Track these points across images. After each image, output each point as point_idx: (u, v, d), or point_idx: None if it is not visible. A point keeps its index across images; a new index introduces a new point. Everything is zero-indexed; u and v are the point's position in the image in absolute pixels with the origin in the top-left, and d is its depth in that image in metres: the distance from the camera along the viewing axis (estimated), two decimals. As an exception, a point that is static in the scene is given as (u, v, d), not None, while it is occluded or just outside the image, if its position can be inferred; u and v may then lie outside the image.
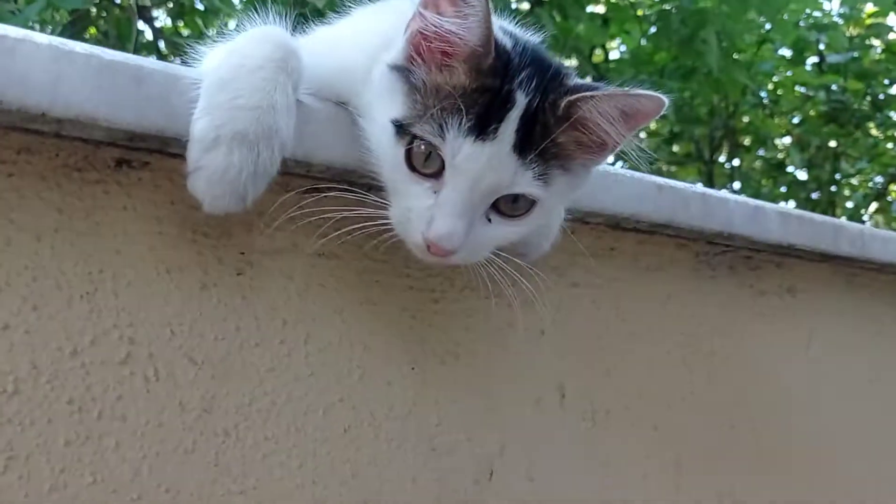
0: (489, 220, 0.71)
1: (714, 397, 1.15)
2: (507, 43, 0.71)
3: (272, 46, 0.67)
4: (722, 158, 5.86)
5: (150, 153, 0.68)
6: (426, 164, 0.68)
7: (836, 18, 5.31)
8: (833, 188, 6.12)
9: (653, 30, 3.62)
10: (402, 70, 0.69)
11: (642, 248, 1.09)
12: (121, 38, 3.02)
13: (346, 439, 0.79)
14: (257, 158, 0.63)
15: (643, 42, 3.73)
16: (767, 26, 4.30)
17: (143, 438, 0.68)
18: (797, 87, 5.40)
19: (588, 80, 0.77)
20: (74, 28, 2.75)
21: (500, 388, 0.92)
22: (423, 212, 0.68)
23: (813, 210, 6.05)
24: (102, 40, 3.31)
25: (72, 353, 0.65)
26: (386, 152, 0.69)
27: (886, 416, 1.44)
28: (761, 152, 6.25)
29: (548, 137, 0.68)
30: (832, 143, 5.67)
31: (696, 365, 1.14)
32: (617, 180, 0.97)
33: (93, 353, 0.66)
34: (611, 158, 0.84)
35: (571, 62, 4.76)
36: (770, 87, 5.19)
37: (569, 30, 4.19)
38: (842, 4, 5.36)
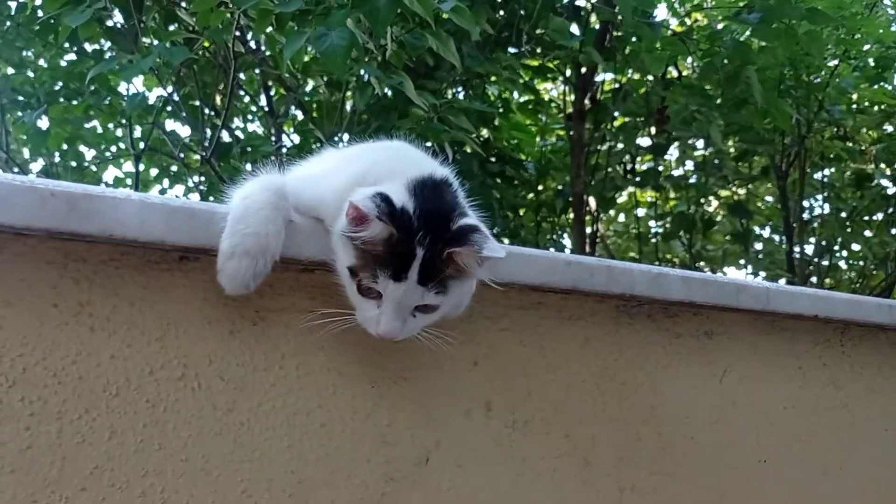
0: (414, 316, 1.13)
1: (623, 414, 1.52)
2: (410, 207, 1.10)
3: (270, 193, 1.10)
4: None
5: (200, 253, 1.13)
6: (370, 291, 1.10)
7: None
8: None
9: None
10: (348, 236, 1.10)
11: (565, 302, 1.47)
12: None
13: (321, 432, 1.22)
14: (256, 265, 1.07)
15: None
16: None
17: (190, 425, 1.13)
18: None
19: (477, 230, 1.14)
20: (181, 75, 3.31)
21: (438, 402, 1.33)
22: (372, 317, 1.12)
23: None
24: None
25: (149, 373, 1.11)
26: (346, 283, 1.13)
27: (799, 435, 1.76)
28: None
29: (438, 273, 1.10)
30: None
31: (608, 390, 1.51)
32: (531, 259, 1.36)
33: (161, 373, 1.11)
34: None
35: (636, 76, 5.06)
36: (845, 106, 5.30)
37: (636, 55, 4.50)
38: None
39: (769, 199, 7.05)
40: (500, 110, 4.93)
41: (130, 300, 1.11)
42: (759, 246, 6.88)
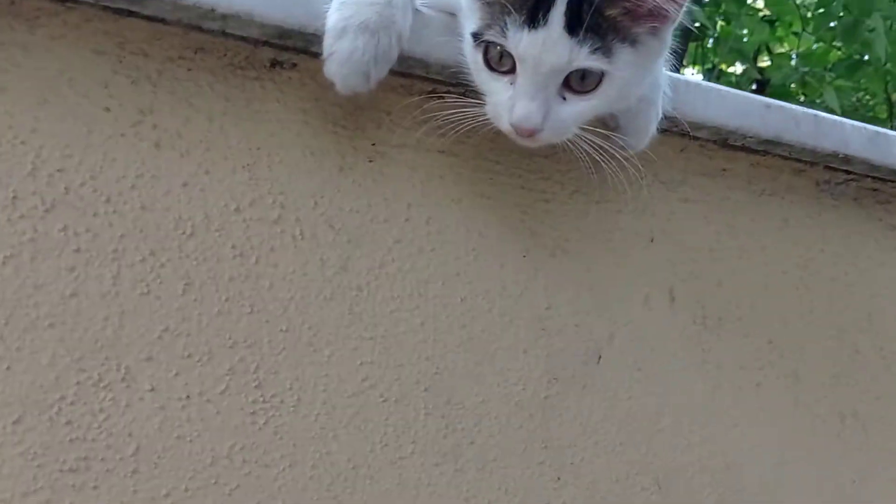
0: (564, 99, 0.80)
1: (836, 320, 1.17)
2: None
3: (390, -43, 0.80)
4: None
5: (298, 54, 0.84)
6: (500, 62, 0.79)
7: None
8: None
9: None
10: None
11: (756, 171, 1.14)
12: None
13: (462, 308, 0.91)
14: (378, 44, 0.77)
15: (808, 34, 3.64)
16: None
17: (291, 283, 0.82)
18: None
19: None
20: None
21: (607, 284, 1.01)
22: (505, 102, 0.79)
23: None
24: None
25: (235, 210, 0.81)
26: (471, 59, 0.81)
27: None
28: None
29: (596, 17, 0.76)
30: None
31: (815, 288, 1.16)
32: (721, 96, 1.04)
33: (251, 211, 0.82)
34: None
35: (734, 68, 4.72)
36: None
37: (728, 33, 4.17)
38: None
39: None
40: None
41: (208, 113, 0.81)
42: None
